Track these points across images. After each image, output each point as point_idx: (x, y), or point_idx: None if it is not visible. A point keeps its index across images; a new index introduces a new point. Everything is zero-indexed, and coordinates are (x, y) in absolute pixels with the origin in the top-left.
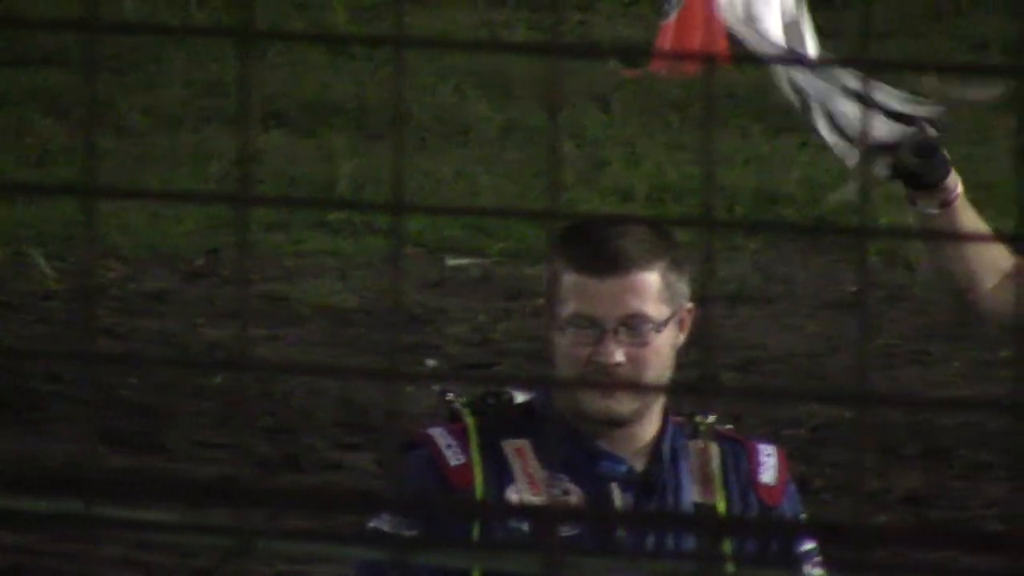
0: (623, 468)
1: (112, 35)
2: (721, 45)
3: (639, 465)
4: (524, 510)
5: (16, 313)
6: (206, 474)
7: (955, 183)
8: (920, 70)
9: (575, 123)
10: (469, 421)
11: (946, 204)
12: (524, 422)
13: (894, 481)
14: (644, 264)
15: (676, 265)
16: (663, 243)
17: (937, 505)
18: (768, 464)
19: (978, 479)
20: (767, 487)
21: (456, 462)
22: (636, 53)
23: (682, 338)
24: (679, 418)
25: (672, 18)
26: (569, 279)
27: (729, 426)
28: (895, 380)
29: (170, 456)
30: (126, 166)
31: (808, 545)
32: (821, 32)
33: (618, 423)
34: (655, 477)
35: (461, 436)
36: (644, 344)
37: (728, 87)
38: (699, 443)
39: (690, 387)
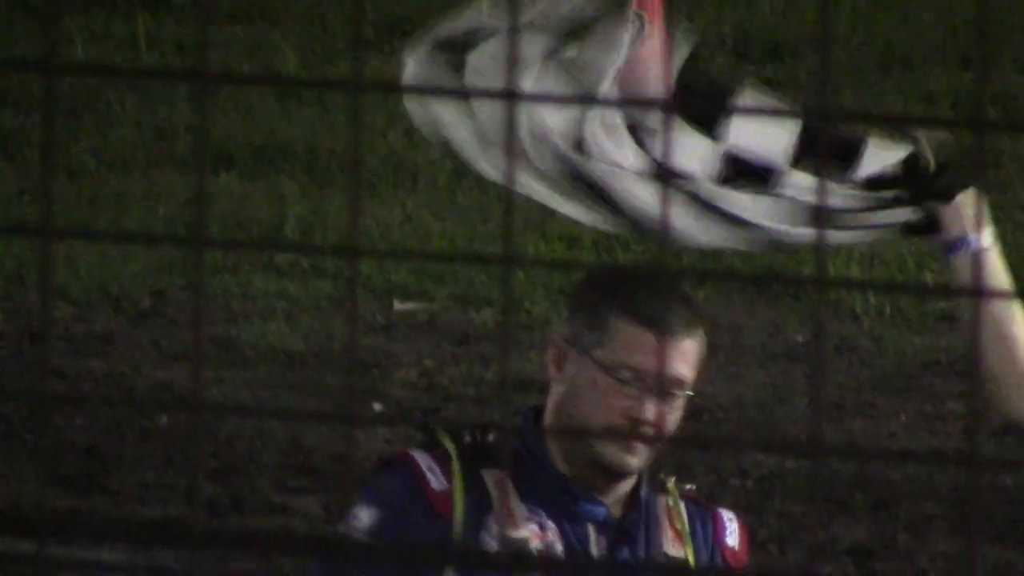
0: (602, 512)
1: (71, 76)
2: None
3: (616, 511)
4: (493, 557)
5: None
6: (153, 515)
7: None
8: (872, 122)
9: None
10: (450, 447)
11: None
12: (502, 455)
13: (840, 533)
14: (696, 331)
15: (704, 330)
16: (698, 308)
17: (883, 557)
18: (731, 529)
19: (924, 532)
20: (732, 550)
21: (438, 486)
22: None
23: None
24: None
25: (623, 63)
26: (626, 330)
27: (689, 486)
28: (841, 431)
29: (116, 497)
30: (77, 207)
31: None
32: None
33: (624, 476)
34: (632, 525)
35: (443, 461)
36: (673, 408)
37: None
38: (668, 499)
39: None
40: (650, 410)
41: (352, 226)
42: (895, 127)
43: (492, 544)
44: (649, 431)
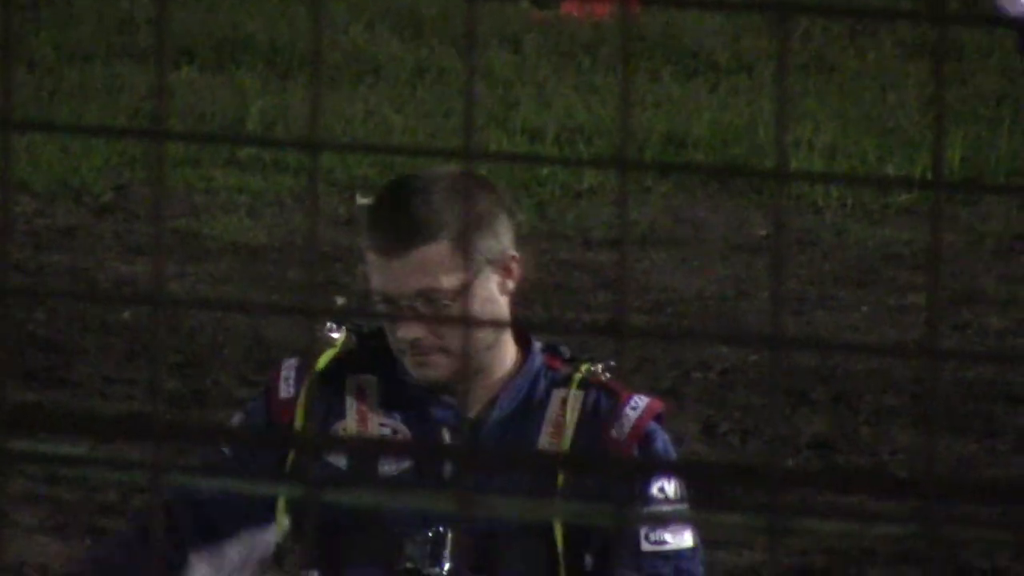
0: (450, 414)
1: None
2: None
3: (476, 412)
4: (338, 442)
5: None
6: (114, 409)
7: None
8: (832, 15)
9: (486, 64)
10: (329, 352)
11: None
12: (380, 359)
13: (801, 425)
14: (428, 237)
15: (481, 222)
16: (455, 202)
17: (844, 450)
18: (628, 418)
19: (885, 424)
20: (615, 441)
21: (285, 395)
22: None
23: (511, 284)
24: (559, 365)
25: None
26: (368, 256)
27: (607, 375)
28: (804, 324)
29: (78, 390)
30: (37, 100)
31: (661, 488)
32: None
33: (440, 388)
34: (490, 423)
35: (305, 369)
36: (455, 311)
37: (638, 30)
38: (563, 391)
39: (600, 329)
40: (409, 329)
41: (314, 120)
42: (856, 19)
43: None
44: (429, 344)
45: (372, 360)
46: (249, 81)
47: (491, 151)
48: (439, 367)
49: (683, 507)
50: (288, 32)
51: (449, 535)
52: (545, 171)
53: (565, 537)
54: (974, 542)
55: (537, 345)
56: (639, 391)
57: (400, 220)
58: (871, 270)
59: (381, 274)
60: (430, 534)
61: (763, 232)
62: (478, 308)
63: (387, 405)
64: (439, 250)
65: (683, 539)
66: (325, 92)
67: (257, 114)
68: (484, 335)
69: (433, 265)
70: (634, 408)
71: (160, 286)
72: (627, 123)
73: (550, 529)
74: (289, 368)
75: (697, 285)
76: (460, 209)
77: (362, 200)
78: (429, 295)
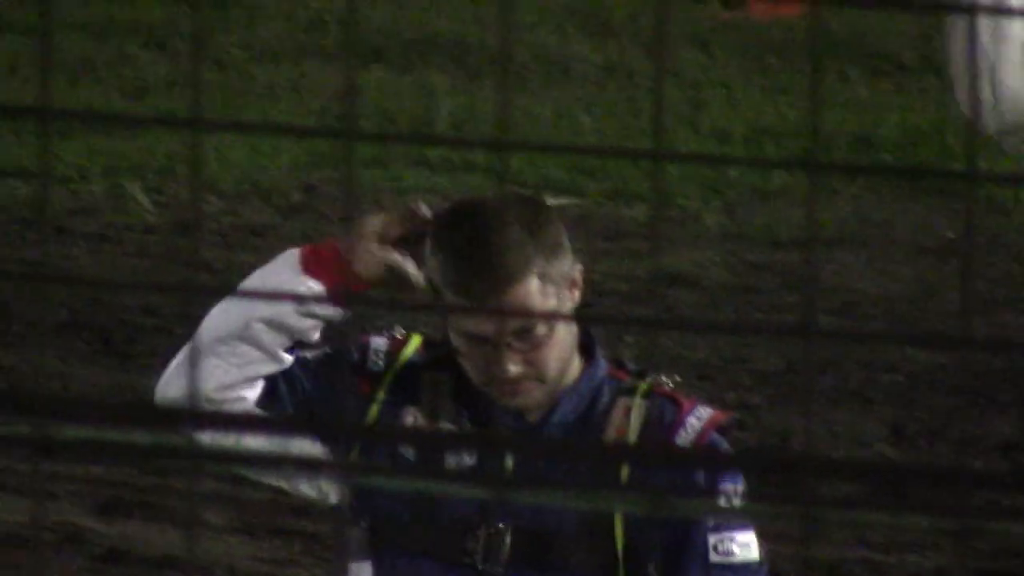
0: (513, 419)
1: None
2: None
3: (536, 416)
4: (392, 432)
5: (114, 246)
6: None
7: None
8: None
9: (675, 65)
10: (415, 340)
11: None
12: (450, 362)
13: (990, 427)
14: (520, 277)
15: (550, 249)
16: (533, 234)
17: None
18: (692, 427)
19: None
20: (675, 447)
21: (374, 368)
22: None
23: (577, 295)
24: (624, 376)
25: None
26: (451, 299)
27: (670, 386)
28: (992, 326)
29: None
30: (226, 100)
31: (731, 484)
32: None
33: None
34: (546, 427)
35: (395, 353)
36: (539, 347)
37: (827, 31)
38: (627, 401)
39: (787, 330)
40: (508, 367)
41: (503, 120)
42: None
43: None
44: (525, 375)
45: (450, 361)
46: (438, 81)
47: (679, 152)
48: (532, 395)
49: (744, 510)
50: (477, 32)
51: (508, 533)
52: (733, 172)
53: (626, 545)
54: None
55: (600, 354)
56: (705, 403)
57: (487, 264)
58: None
59: (468, 317)
60: (489, 530)
61: (951, 234)
62: (563, 330)
63: (458, 403)
64: (531, 287)
65: (751, 552)
66: (514, 92)
67: (446, 114)
68: (569, 354)
69: (529, 300)
70: (698, 418)
71: (346, 288)
72: (816, 124)
73: (611, 533)
74: (379, 344)
75: (885, 287)
76: (537, 237)
77: (551, 201)
78: (527, 330)
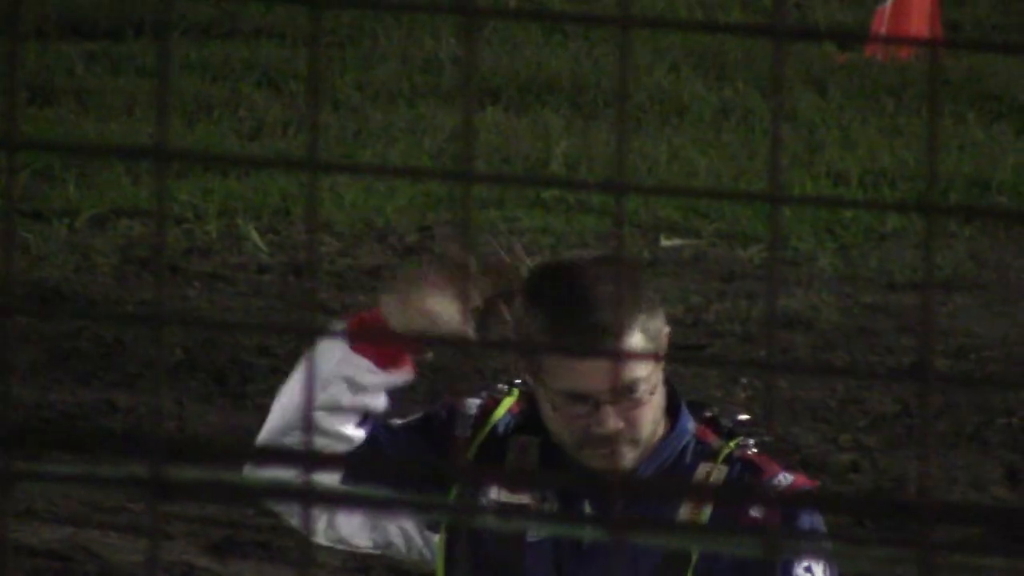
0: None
1: (337, 9)
2: (937, 30)
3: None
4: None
5: (229, 286)
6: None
7: None
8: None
9: (790, 106)
10: (506, 401)
11: None
12: (538, 424)
13: None
14: (626, 329)
15: (648, 307)
16: (634, 290)
17: None
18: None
19: None
20: (752, 520)
21: (461, 433)
22: (852, 37)
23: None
24: (711, 438)
25: (888, 2)
26: (552, 360)
27: (755, 450)
28: None
29: None
30: (342, 141)
31: (807, 568)
32: None
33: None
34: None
35: (485, 415)
36: (639, 406)
37: (943, 73)
38: (709, 466)
39: (903, 373)
40: (608, 422)
41: (619, 161)
42: None
43: (484, 501)
44: (623, 433)
45: (533, 423)
46: (554, 121)
47: (795, 194)
48: (626, 457)
49: None
50: (593, 72)
51: None
52: (849, 214)
53: None
54: None
55: (686, 413)
56: (789, 468)
57: (590, 322)
58: None
59: (576, 373)
60: None
61: None
62: (658, 391)
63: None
64: (636, 341)
65: None
66: (630, 133)
67: (561, 155)
68: (660, 416)
69: (632, 351)
70: (778, 484)
71: (461, 328)
72: (933, 167)
73: None
74: (471, 409)
75: (1002, 330)
76: (637, 293)
77: (666, 242)
78: (632, 387)
